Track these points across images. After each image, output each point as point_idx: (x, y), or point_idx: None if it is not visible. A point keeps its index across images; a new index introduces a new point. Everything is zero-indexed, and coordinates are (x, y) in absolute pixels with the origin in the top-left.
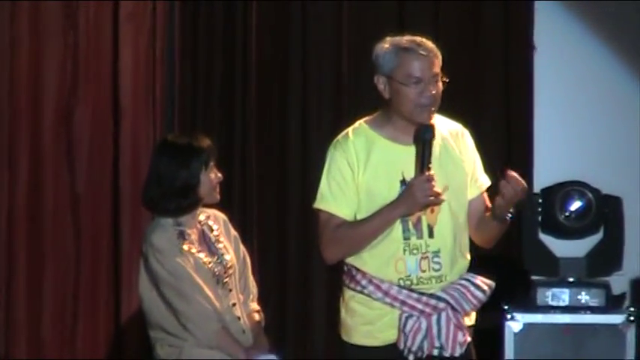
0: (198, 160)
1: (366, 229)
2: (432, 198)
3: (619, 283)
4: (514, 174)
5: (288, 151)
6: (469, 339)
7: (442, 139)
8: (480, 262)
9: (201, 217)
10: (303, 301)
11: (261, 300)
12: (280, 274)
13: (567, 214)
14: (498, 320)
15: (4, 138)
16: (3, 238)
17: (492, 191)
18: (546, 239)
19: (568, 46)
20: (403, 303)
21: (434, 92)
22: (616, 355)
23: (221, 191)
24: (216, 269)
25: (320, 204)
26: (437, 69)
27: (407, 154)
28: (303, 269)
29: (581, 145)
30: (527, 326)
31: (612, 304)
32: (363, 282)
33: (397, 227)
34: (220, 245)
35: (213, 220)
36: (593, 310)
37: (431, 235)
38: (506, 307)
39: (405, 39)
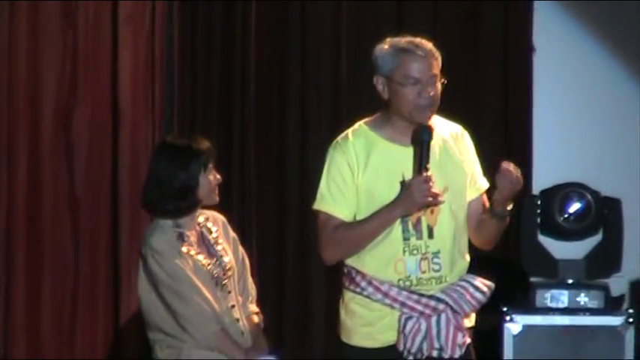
0: (197, 162)
1: (365, 230)
2: (430, 199)
3: (618, 284)
4: (508, 165)
5: (287, 152)
6: (469, 340)
7: (442, 141)
8: (479, 264)
9: (200, 219)
10: (301, 302)
11: (259, 301)
12: (279, 275)
13: (566, 215)
14: (497, 322)
15: (3, 138)
16: (2, 239)
17: (491, 194)
18: (545, 241)
19: (567, 47)
20: (403, 304)
21: (432, 93)
22: (615, 357)
23: (220, 191)
24: (215, 271)
25: (319, 205)
26: (435, 70)
27: (407, 154)
28: (301, 270)
29: (580, 146)
30: (526, 328)
31: (611, 305)
32: (363, 284)
33: (397, 228)
34: (219, 247)
35: (212, 221)
36: (592, 311)
37: (431, 235)
38: (505, 309)
39: (404, 40)
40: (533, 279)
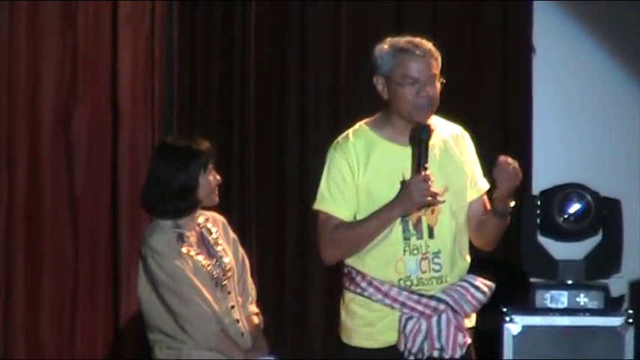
0: (197, 162)
1: (365, 230)
2: (429, 198)
3: (618, 285)
4: (506, 159)
5: (287, 152)
6: (469, 340)
7: (443, 141)
8: (479, 265)
9: (200, 220)
10: (301, 303)
11: (259, 301)
12: (279, 276)
13: (566, 216)
14: (497, 322)
15: (3, 139)
16: (1, 239)
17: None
18: (545, 242)
19: (567, 47)
20: (403, 304)
21: (431, 93)
22: (615, 357)
23: (219, 191)
24: (214, 272)
25: (319, 205)
26: (435, 70)
27: (407, 154)
28: (301, 270)
29: (580, 146)
30: (526, 328)
31: (611, 306)
32: (363, 284)
33: (397, 227)
34: (219, 248)
35: (212, 222)
36: (592, 312)
37: (431, 235)
38: (505, 310)
39: (404, 40)
40: (533, 279)
